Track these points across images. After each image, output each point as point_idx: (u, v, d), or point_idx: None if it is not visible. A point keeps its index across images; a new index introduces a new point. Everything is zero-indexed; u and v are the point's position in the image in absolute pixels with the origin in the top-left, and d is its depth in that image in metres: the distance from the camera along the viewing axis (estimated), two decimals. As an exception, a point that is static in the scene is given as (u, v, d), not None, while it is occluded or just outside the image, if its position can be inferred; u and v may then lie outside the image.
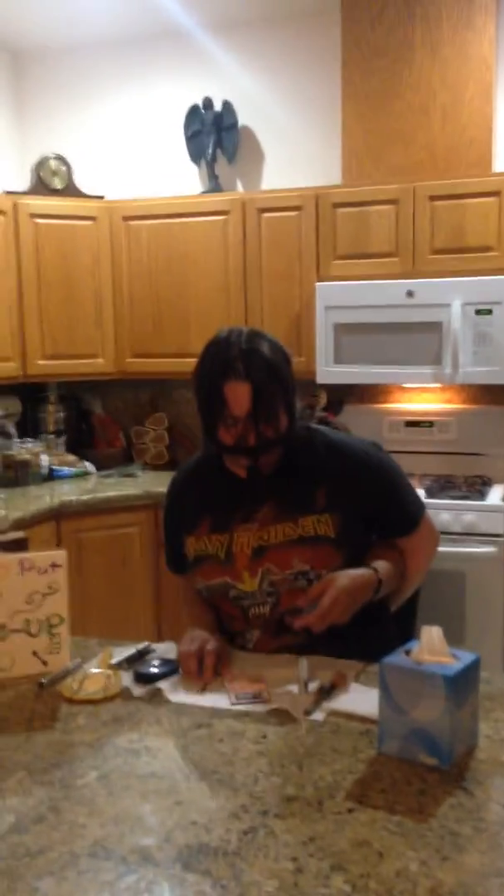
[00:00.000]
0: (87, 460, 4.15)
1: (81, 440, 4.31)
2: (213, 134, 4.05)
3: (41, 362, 3.92)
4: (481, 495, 3.50)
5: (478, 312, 3.53)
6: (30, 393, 4.16)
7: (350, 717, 1.48)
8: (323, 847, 1.10)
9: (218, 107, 4.06)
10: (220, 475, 1.87)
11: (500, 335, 3.51)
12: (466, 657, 1.34)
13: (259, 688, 1.59)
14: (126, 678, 1.64)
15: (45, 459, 3.91)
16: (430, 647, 1.34)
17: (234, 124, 4.06)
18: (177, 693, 1.57)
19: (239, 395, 1.70)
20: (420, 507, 1.94)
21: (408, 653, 1.37)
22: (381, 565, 1.81)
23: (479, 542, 3.34)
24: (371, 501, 1.85)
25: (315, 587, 1.69)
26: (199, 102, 4.07)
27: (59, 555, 1.67)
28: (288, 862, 1.07)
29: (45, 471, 3.90)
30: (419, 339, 3.61)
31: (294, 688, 1.58)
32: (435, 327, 3.58)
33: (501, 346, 3.51)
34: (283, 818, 1.17)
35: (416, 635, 1.58)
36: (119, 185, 4.26)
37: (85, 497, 3.65)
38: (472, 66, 3.57)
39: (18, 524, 3.23)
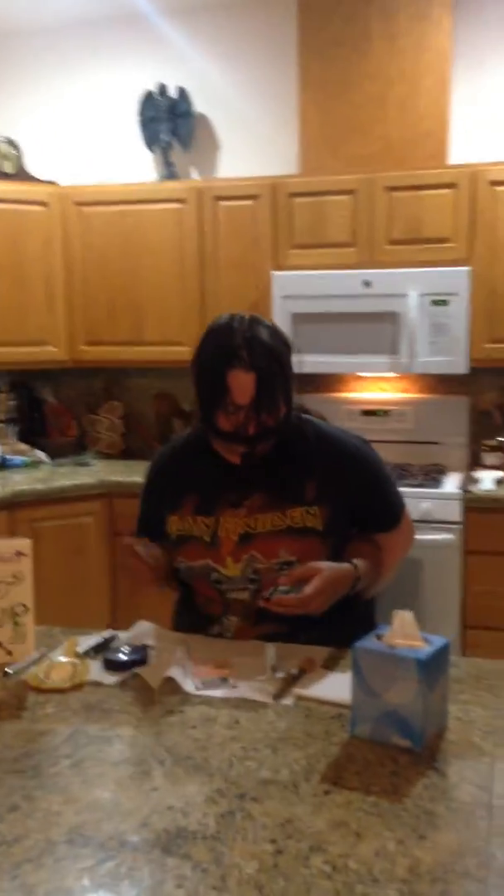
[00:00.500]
0: (40, 449, 4.09)
1: (33, 429, 4.26)
2: (168, 121, 4.02)
3: (-7, 349, 3.86)
4: (437, 483, 3.55)
5: (434, 303, 3.57)
6: (-20, 381, 4.09)
7: (320, 701, 1.48)
8: (301, 829, 1.11)
9: (173, 93, 4.03)
10: (210, 456, 1.86)
11: (456, 325, 3.55)
12: (437, 641, 1.36)
13: (224, 673, 1.59)
14: (94, 666, 1.62)
15: (-3, 448, 3.85)
16: (403, 631, 1.35)
17: (189, 111, 4.03)
18: (154, 679, 1.56)
19: (243, 384, 1.68)
20: (402, 504, 1.96)
21: (379, 637, 1.38)
22: (361, 561, 1.81)
23: (436, 529, 3.38)
24: (357, 495, 1.85)
25: (299, 570, 1.68)
26: (154, 88, 4.03)
27: (25, 543, 1.64)
28: (267, 844, 1.08)
29: (-4, 460, 3.85)
30: (376, 329, 3.64)
31: (262, 674, 1.58)
32: (391, 317, 3.61)
33: (457, 336, 3.56)
34: (259, 801, 1.17)
35: (380, 621, 1.60)
36: (71, 171, 4.20)
37: (39, 486, 3.60)
38: (429, 58, 3.60)
39: (-28, 514, 3.18)
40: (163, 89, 4.02)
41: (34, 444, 4.11)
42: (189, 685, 1.54)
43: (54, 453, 4.12)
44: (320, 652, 1.68)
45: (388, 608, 1.47)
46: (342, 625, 1.78)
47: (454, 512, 3.40)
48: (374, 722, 1.33)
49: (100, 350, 4.01)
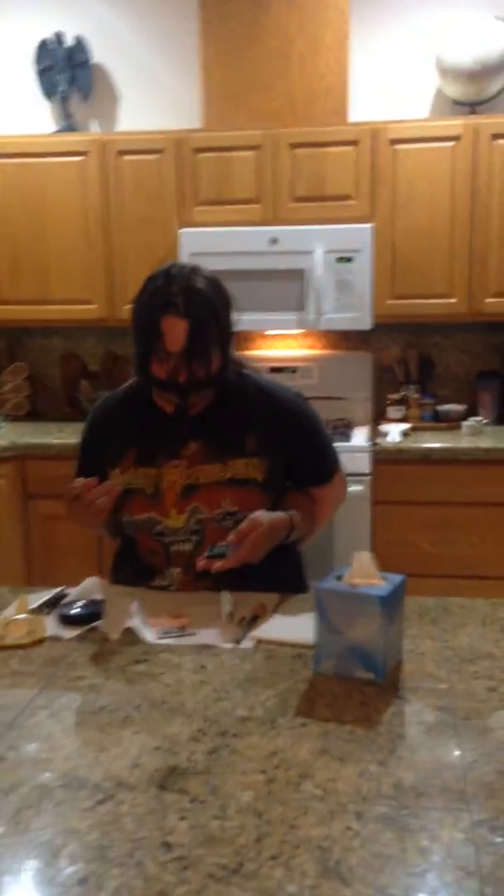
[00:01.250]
0: None
1: None
2: (66, 70, 3.92)
3: None
4: (346, 437, 3.65)
5: (339, 260, 3.64)
6: None
7: (279, 643, 1.54)
8: (286, 759, 1.17)
9: (70, 42, 3.92)
10: (149, 408, 1.88)
11: (360, 282, 3.64)
12: (394, 578, 1.43)
13: (182, 622, 1.63)
14: (49, 622, 1.63)
15: None
16: (362, 570, 1.42)
17: (87, 61, 3.93)
18: (113, 631, 1.58)
19: (176, 331, 1.71)
20: (336, 459, 2.02)
21: (339, 578, 1.44)
22: (296, 512, 1.88)
23: (349, 482, 3.46)
24: (294, 449, 1.91)
25: (243, 527, 1.73)
26: (51, 37, 3.91)
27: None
28: (257, 775, 1.13)
29: None
30: (282, 286, 3.69)
31: (218, 621, 1.63)
32: (298, 274, 3.67)
33: (361, 292, 3.64)
34: (241, 737, 1.22)
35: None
36: (-35, 123, 4.04)
37: None
38: (329, 15, 3.63)
39: None
40: (59, 38, 3.90)
41: None
42: (149, 636, 1.58)
43: (-43, 417, 4.01)
44: (270, 598, 1.74)
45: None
46: (277, 574, 1.85)
47: (363, 464, 3.51)
48: (337, 658, 1.40)
49: (3, 309, 3.91)
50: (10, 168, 3.80)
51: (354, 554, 1.44)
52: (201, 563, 1.75)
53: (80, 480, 1.74)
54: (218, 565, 1.70)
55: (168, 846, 0.99)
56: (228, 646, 1.54)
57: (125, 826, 1.02)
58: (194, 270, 1.78)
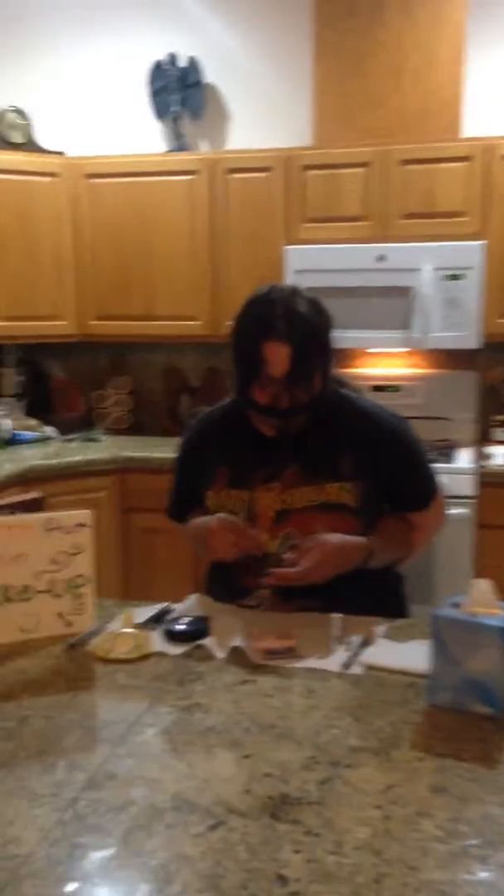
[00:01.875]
0: (47, 425, 4.06)
1: (40, 404, 4.21)
2: (179, 91, 3.97)
3: (1, 323, 3.80)
4: (449, 459, 3.56)
5: (448, 277, 3.57)
6: (-14, 355, 4.04)
7: (389, 671, 1.49)
8: (402, 795, 1.11)
9: (183, 63, 3.97)
10: (245, 429, 1.85)
11: (469, 300, 3.56)
12: (515, 608, 1.36)
13: (289, 644, 1.59)
14: (155, 638, 1.62)
15: (7, 424, 3.81)
16: (481, 599, 1.36)
17: (200, 81, 3.97)
18: (220, 650, 1.56)
19: (279, 356, 1.67)
20: (435, 485, 1.95)
21: (456, 605, 1.38)
22: (376, 537, 1.82)
23: (450, 504, 3.38)
24: (391, 473, 1.85)
25: (306, 546, 1.69)
26: (164, 58, 3.97)
27: (85, 514, 1.63)
28: (373, 810, 1.08)
29: (7, 435, 3.81)
30: (389, 304, 3.64)
31: (325, 645, 1.59)
32: (405, 292, 3.61)
33: (470, 311, 3.56)
34: (354, 768, 1.18)
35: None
36: (80, 142, 4.13)
37: (52, 461, 3.58)
38: (444, 30, 3.57)
39: (-12, 488, 3.16)
40: (173, 59, 3.96)
41: (41, 420, 4.07)
42: (256, 656, 1.54)
43: (62, 429, 4.08)
44: (379, 623, 1.69)
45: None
46: (373, 596, 1.80)
47: (468, 487, 3.41)
48: (454, 690, 1.34)
49: (110, 325, 3.97)
50: (121, 187, 3.87)
51: (472, 581, 1.38)
52: (266, 580, 1.71)
53: (232, 523, 1.73)
54: (282, 577, 1.67)
55: (283, 880, 0.95)
56: (337, 670, 1.49)
57: (238, 855, 0.99)
58: (295, 293, 1.74)
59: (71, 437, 4.01)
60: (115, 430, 4.21)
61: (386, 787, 1.13)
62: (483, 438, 3.87)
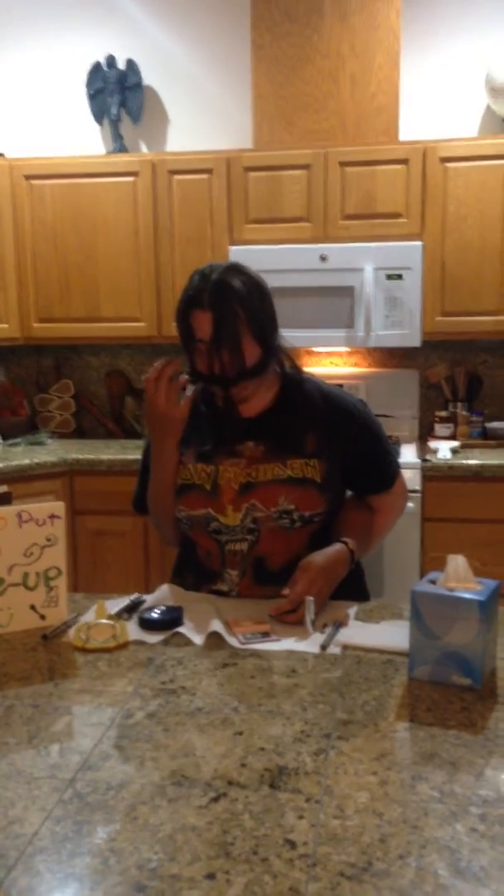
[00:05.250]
0: (-10, 429, 4.00)
1: (-19, 409, 4.16)
2: (117, 93, 3.97)
3: None
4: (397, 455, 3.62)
5: (389, 277, 3.64)
6: None
7: (366, 649, 1.52)
8: (396, 762, 1.14)
9: (122, 65, 3.97)
10: (209, 408, 1.89)
11: (410, 300, 3.64)
12: (489, 583, 1.41)
13: (265, 627, 1.61)
14: (130, 628, 1.62)
15: (-50, 428, 3.75)
16: (457, 575, 1.40)
17: (139, 83, 3.98)
18: (197, 636, 1.57)
19: (202, 322, 1.74)
20: (397, 467, 2.00)
21: (433, 582, 1.42)
22: (350, 534, 1.86)
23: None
24: (355, 455, 1.89)
25: (296, 575, 1.73)
26: (102, 60, 3.97)
27: (58, 506, 1.62)
28: (369, 776, 1.11)
29: (-50, 440, 3.75)
30: (332, 304, 3.70)
31: (300, 627, 1.61)
32: (347, 291, 3.67)
33: (411, 310, 3.64)
34: (346, 739, 1.20)
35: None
36: (18, 143, 4.10)
37: (-1, 465, 3.53)
38: (380, 35, 3.65)
39: None
40: (111, 61, 3.96)
41: (-16, 424, 4.01)
42: (233, 640, 1.56)
43: (6, 433, 4.03)
44: (349, 605, 1.72)
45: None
46: (340, 584, 1.83)
47: (414, 481, 3.48)
48: (433, 663, 1.38)
49: (53, 327, 3.94)
50: (62, 188, 3.84)
51: (449, 557, 1.42)
52: (272, 613, 1.72)
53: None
54: (279, 610, 1.69)
55: (291, 844, 0.97)
56: (315, 651, 1.52)
57: (244, 823, 1.00)
58: (228, 267, 1.80)
59: (15, 441, 3.96)
60: (60, 434, 4.18)
61: (379, 755, 1.16)
62: (426, 434, 3.96)
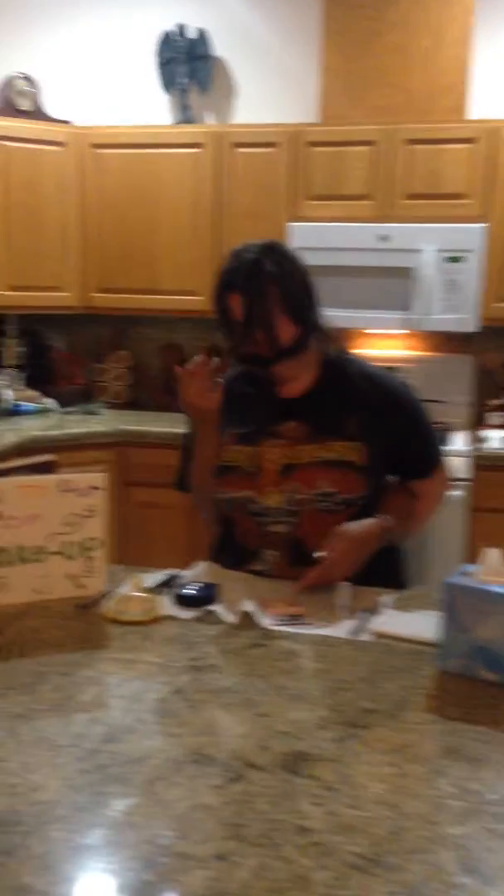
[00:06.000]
0: (46, 396, 4.05)
1: (40, 376, 4.20)
2: (186, 63, 3.94)
3: (5, 293, 3.79)
4: (444, 442, 3.58)
5: (449, 259, 3.58)
6: (-15, 326, 4.01)
7: (398, 638, 1.51)
8: (417, 754, 1.14)
9: (192, 34, 3.95)
10: (252, 389, 1.89)
11: (469, 283, 3.57)
12: (526, 578, 1.39)
13: (298, 610, 1.61)
14: (165, 602, 1.64)
15: (8, 394, 3.81)
16: (492, 568, 1.38)
17: (209, 54, 3.95)
18: (230, 615, 1.58)
19: (236, 303, 1.74)
20: (440, 453, 1.99)
21: (467, 574, 1.40)
22: (388, 513, 1.85)
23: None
24: (398, 438, 1.88)
25: (328, 541, 1.72)
26: (174, 29, 3.94)
27: (99, 477, 1.64)
28: (388, 767, 1.10)
29: (8, 406, 3.81)
30: (389, 284, 3.65)
31: (333, 613, 1.61)
32: (406, 273, 3.62)
33: (469, 294, 3.58)
34: (368, 728, 1.20)
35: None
36: (87, 111, 4.10)
37: (53, 433, 3.58)
38: (454, 11, 3.57)
39: (-12, 457, 3.16)
40: (182, 30, 3.93)
41: (41, 392, 4.06)
42: (265, 621, 1.56)
43: (61, 401, 4.08)
44: (385, 593, 1.71)
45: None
46: (376, 570, 1.82)
47: (462, 470, 3.44)
48: (463, 656, 1.36)
49: (112, 297, 3.96)
50: (127, 157, 3.85)
51: (484, 550, 1.40)
52: (295, 587, 1.73)
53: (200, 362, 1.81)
54: (310, 579, 1.70)
55: (304, 830, 0.97)
56: (346, 637, 1.52)
57: (258, 807, 1.01)
58: (265, 247, 1.80)
59: (70, 409, 4.01)
60: (114, 404, 4.21)
61: (400, 746, 1.16)
62: (478, 422, 3.90)
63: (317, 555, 1.71)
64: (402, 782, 1.07)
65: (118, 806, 1.01)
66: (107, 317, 4.21)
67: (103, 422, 3.82)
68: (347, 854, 0.93)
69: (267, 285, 1.74)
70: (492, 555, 1.40)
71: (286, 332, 1.77)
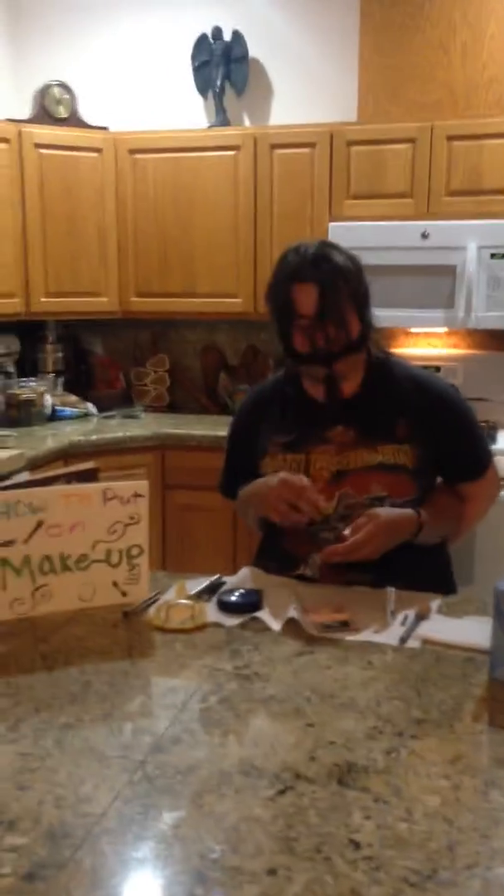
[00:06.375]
0: (86, 401, 4.07)
1: (79, 381, 4.23)
2: (222, 65, 3.93)
3: (44, 299, 3.81)
4: (491, 440, 3.53)
5: (493, 256, 3.52)
6: (27, 331, 4.04)
7: (447, 645, 1.48)
8: (470, 766, 1.11)
9: (227, 37, 3.94)
10: (298, 395, 1.88)
11: (514, 280, 3.51)
12: None
13: (344, 617, 1.59)
14: (209, 609, 1.62)
15: (48, 399, 3.83)
16: (545, 573, 1.34)
17: (244, 56, 3.94)
18: (275, 621, 1.56)
19: (307, 295, 1.73)
20: (489, 455, 1.95)
21: (518, 580, 1.37)
22: (426, 510, 1.81)
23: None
24: (447, 441, 1.85)
25: (359, 520, 1.69)
26: (208, 32, 3.94)
27: (142, 485, 1.63)
28: (441, 780, 1.08)
29: (48, 411, 3.83)
30: (432, 283, 3.60)
31: (380, 618, 1.58)
32: (449, 270, 3.57)
33: (515, 290, 3.51)
34: (419, 739, 1.18)
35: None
36: (123, 117, 4.11)
37: (93, 437, 3.59)
38: (492, 5, 3.51)
39: (31, 463, 3.18)
40: (217, 33, 3.92)
41: (81, 396, 4.08)
42: (311, 628, 1.54)
43: (101, 405, 4.09)
44: (432, 598, 1.68)
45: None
46: (422, 572, 1.79)
47: (510, 467, 3.38)
48: (515, 664, 1.33)
49: (150, 301, 3.97)
50: (164, 162, 3.85)
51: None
52: (320, 558, 1.71)
53: (295, 483, 1.71)
54: (332, 553, 1.67)
55: (356, 844, 0.95)
56: (394, 644, 1.49)
57: (309, 819, 0.99)
58: (324, 242, 1.82)
59: (110, 413, 4.02)
60: (154, 408, 4.22)
61: (453, 757, 1.13)
62: (525, 420, 3.84)
63: (345, 532, 1.68)
64: (456, 795, 1.05)
65: (167, 819, 1.00)
66: (145, 321, 4.22)
67: (143, 425, 3.83)
68: (401, 869, 0.91)
69: (338, 277, 1.73)
70: (543, 559, 1.36)
71: (354, 326, 1.77)
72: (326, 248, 1.79)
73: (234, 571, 1.83)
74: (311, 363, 1.80)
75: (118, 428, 3.78)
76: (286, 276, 1.76)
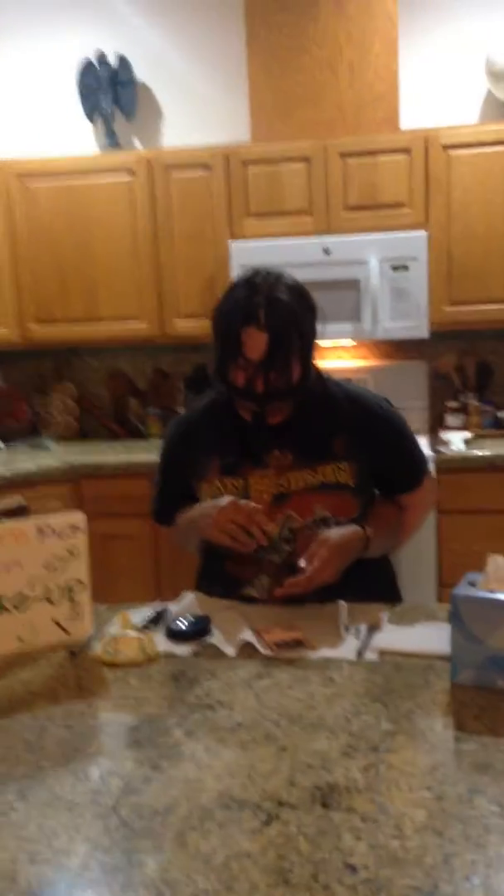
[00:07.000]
0: (-8, 434, 3.95)
1: (-18, 414, 4.10)
2: (110, 90, 3.90)
3: None
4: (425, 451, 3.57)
5: (394, 268, 3.59)
6: None
7: (404, 654, 1.47)
8: (449, 774, 1.10)
9: (113, 62, 3.91)
10: (231, 419, 1.83)
11: (416, 290, 3.59)
12: (531, 581, 1.36)
13: (296, 635, 1.56)
14: (157, 639, 1.57)
15: (-48, 435, 3.70)
16: (498, 576, 1.35)
17: (132, 80, 3.92)
18: (228, 646, 1.52)
19: (257, 342, 1.66)
20: (425, 463, 1.97)
21: (472, 584, 1.38)
22: (370, 524, 1.81)
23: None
24: (384, 454, 1.85)
25: (311, 548, 1.68)
26: (93, 56, 3.90)
27: (79, 517, 1.57)
28: (424, 791, 1.06)
29: (-48, 447, 3.70)
30: (337, 297, 3.64)
31: (333, 634, 1.57)
32: (353, 284, 3.62)
33: (418, 300, 3.59)
34: (395, 752, 1.16)
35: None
36: (10, 143, 4.03)
37: (5, 472, 3.47)
38: (377, 23, 3.60)
39: None
40: (102, 58, 3.89)
41: (-15, 430, 3.96)
42: (265, 649, 1.51)
43: (7, 438, 3.97)
44: (381, 609, 1.68)
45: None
46: (370, 585, 1.79)
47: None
48: (477, 668, 1.33)
49: (52, 329, 3.88)
50: (57, 188, 3.78)
51: (490, 558, 1.38)
52: (277, 593, 1.69)
53: (243, 507, 1.69)
54: (293, 585, 1.65)
55: (352, 868, 0.92)
56: (352, 658, 1.47)
57: (299, 847, 0.96)
58: (279, 279, 1.73)
59: (17, 445, 3.90)
60: (63, 437, 4.12)
61: (431, 767, 1.12)
62: (436, 426, 3.91)
63: (301, 564, 1.66)
64: (441, 805, 1.03)
65: (152, 864, 0.95)
66: (49, 350, 4.12)
67: (54, 456, 3.73)
68: (402, 888, 0.89)
69: (290, 328, 1.67)
70: (497, 562, 1.37)
71: (296, 373, 1.72)
72: (281, 286, 1.70)
73: (158, 598, 1.78)
74: (245, 399, 1.75)
75: (28, 460, 3.67)
76: (238, 316, 1.67)
